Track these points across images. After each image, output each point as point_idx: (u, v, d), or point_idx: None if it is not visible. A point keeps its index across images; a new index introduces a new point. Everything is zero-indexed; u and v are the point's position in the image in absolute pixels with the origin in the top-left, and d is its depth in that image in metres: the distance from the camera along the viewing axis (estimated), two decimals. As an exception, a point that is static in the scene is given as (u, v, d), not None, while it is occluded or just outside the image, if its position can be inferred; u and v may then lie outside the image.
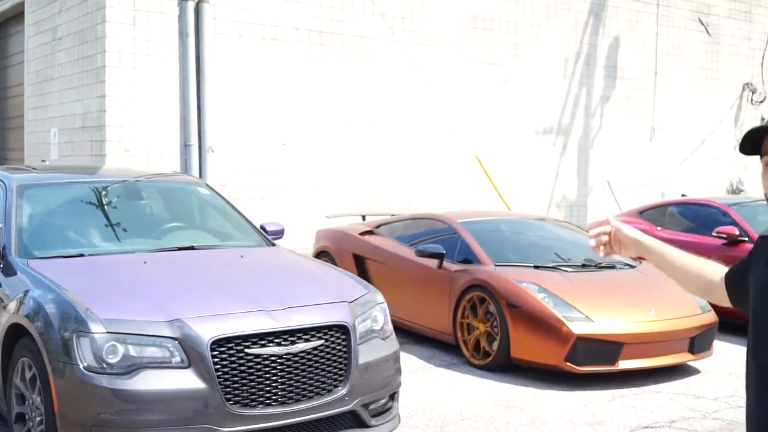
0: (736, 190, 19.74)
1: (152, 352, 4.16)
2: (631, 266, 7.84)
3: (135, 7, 12.76)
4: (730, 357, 7.91)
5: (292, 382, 4.37)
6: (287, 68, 14.01)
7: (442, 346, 7.81)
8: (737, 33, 20.26)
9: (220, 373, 4.18)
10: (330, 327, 4.57)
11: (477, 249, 7.59)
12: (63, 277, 4.61)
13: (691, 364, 7.47)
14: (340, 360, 4.57)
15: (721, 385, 6.94)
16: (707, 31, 18.12)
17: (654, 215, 10.07)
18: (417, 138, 15.42)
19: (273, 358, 4.32)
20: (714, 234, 8.98)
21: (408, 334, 8.34)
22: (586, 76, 17.77)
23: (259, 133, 13.77)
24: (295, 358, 4.39)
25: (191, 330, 4.20)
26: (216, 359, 4.19)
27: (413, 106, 15.31)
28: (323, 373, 4.49)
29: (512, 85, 16.63)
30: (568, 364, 6.61)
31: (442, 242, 8.00)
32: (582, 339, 6.58)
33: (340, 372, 4.56)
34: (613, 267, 7.73)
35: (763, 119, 20.20)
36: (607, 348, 6.65)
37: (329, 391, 4.51)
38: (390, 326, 5.07)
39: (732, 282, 2.30)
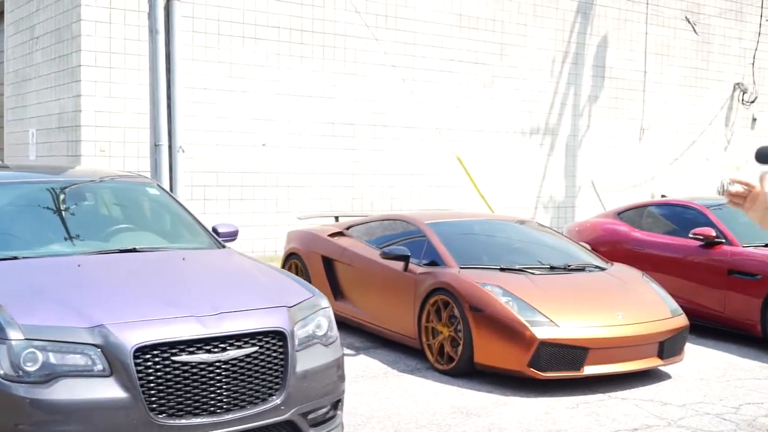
0: (726, 191, 19.49)
1: (73, 359, 3.98)
2: (602, 269, 7.65)
3: (111, 5, 12.59)
4: (703, 362, 7.73)
5: (222, 391, 4.18)
6: (268, 67, 13.83)
7: (409, 351, 7.62)
8: (728, 32, 20.08)
9: (143, 381, 4.00)
10: (265, 333, 4.38)
11: (442, 251, 7.41)
12: (-11, 281, 4.44)
13: (662, 369, 7.28)
14: (275, 368, 4.38)
15: (690, 391, 6.75)
16: (694, 30, 17.93)
17: (632, 216, 9.89)
18: (400, 138, 15.24)
19: (202, 366, 4.14)
20: (691, 235, 8.79)
21: (375, 338, 8.16)
22: (574, 76, 17.60)
23: (240, 133, 13.60)
24: (226, 366, 4.21)
25: (114, 337, 4.02)
26: (139, 367, 4.00)
27: (397, 106, 15.14)
28: (257, 381, 4.30)
29: (498, 84, 16.46)
30: (532, 369, 6.42)
31: (409, 244, 7.82)
32: (545, 344, 6.39)
33: (276, 380, 4.38)
34: (582, 270, 7.54)
35: (754, 119, 20.03)
36: (571, 353, 6.46)
37: (263, 400, 4.32)
38: (334, 332, 4.88)
39: None
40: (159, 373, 4.04)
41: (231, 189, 13.57)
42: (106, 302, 4.30)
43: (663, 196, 12.27)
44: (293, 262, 9.17)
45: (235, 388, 4.22)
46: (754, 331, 8.19)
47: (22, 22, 14.89)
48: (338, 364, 4.79)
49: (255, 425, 4.27)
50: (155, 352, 4.06)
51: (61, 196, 5.72)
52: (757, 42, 19.87)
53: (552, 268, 7.39)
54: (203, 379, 4.14)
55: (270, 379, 4.35)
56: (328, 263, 8.64)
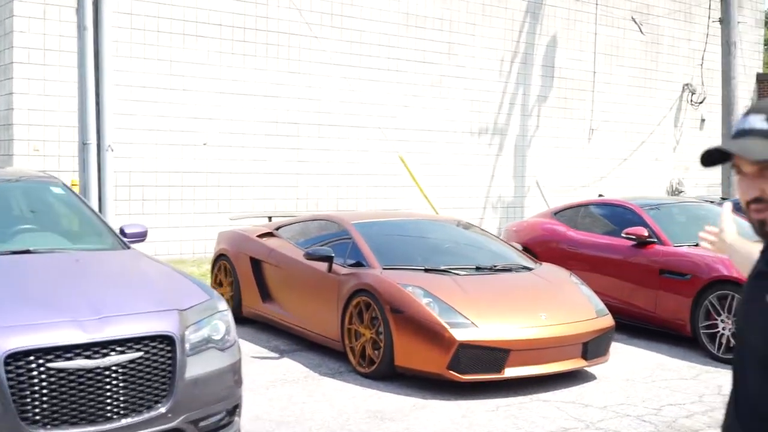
0: (675, 191, 19.65)
1: (-60, 367, 3.77)
2: (529, 269, 7.55)
3: (45, 1, 12.29)
4: (632, 362, 7.66)
5: (103, 398, 4.00)
6: (209, 65, 13.61)
7: (333, 354, 7.46)
8: (677, 33, 20.19)
9: (15, 390, 3.80)
10: (152, 338, 4.20)
11: (366, 251, 7.26)
12: None
13: (588, 370, 7.20)
14: (162, 374, 4.20)
15: (614, 393, 6.67)
16: (641, 30, 17.99)
17: (569, 216, 9.82)
18: (346, 138, 15.09)
19: (80, 373, 3.95)
20: (624, 235, 8.74)
21: (301, 341, 8.00)
22: (523, 76, 17.57)
23: (180, 132, 13.36)
24: (107, 373, 4.02)
25: (-16, 343, 3.82)
26: (10, 375, 3.81)
27: (342, 106, 14.99)
28: (141, 388, 4.12)
29: (446, 84, 16.37)
30: (451, 372, 6.29)
31: (335, 244, 7.67)
32: (465, 346, 6.27)
33: (163, 387, 4.20)
34: (509, 270, 7.44)
35: (702, 120, 20.15)
36: (492, 355, 6.35)
37: (149, 407, 4.14)
38: (232, 336, 4.71)
39: None
40: (33, 381, 3.85)
41: (171, 189, 13.33)
42: (-19, 306, 4.09)
43: (600, 195, 12.24)
44: (222, 264, 8.98)
45: (118, 395, 4.04)
46: (684, 331, 8.15)
47: (-44, 18, 14.53)
48: (234, 369, 4.63)
49: (139, 434, 4.09)
50: (30, 359, 3.87)
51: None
52: (706, 43, 20.00)
53: (478, 268, 7.28)
54: (81, 387, 3.95)
55: (156, 385, 4.18)
56: (256, 264, 8.47)
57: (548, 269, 7.69)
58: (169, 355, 4.24)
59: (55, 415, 3.89)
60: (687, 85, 20.27)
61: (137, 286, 4.78)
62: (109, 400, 4.01)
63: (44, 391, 3.87)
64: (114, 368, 4.04)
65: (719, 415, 6.20)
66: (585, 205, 9.96)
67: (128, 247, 5.66)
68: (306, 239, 8.19)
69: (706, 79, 20.20)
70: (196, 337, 4.44)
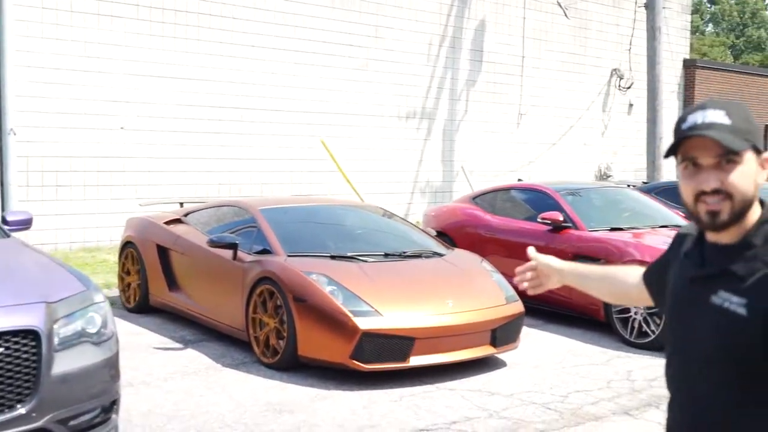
0: (604, 176, 19.78)
1: None
2: (440, 255, 7.42)
3: (-51, -21, 11.74)
4: (544, 348, 7.59)
5: (-42, 398, 3.73)
6: (126, 47, 13.18)
7: (239, 344, 7.24)
8: (605, 19, 20.28)
9: None
10: (14, 332, 3.93)
11: (271, 238, 7.05)
12: None
13: (499, 357, 7.10)
14: (26, 371, 3.94)
15: (522, 380, 6.58)
16: (565, 14, 18.01)
17: (486, 201, 9.72)
18: (270, 122, 14.80)
19: (-69, 372, 3.68)
20: (539, 220, 8.67)
21: (208, 331, 7.76)
22: (452, 60, 17.46)
23: (96, 115, 12.93)
24: (-38, 371, 3.75)
25: None
26: None
27: (266, 89, 14.68)
28: (2, 387, 3.86)
29: (373, 68, 16.17)
30: (354, 361, 6.13)
31: (242, 231, 7.45)
32: (369, 335, 6.10)
33: (26, 384, 3.94)
34: (419, 256, 7.30)
35: (630, 105, 20.31)
36: (397, 344, 6.20)
37: (10, 407, 3.88)
38: (109, 329, 4.46)
39: (652, 281, 2.30)
40: None
41: (87, 175, 12.90)
42: None
43: (520, 180, 12.19)
44: (129, 252, 8.67)
45: (-26, 394, 3.77)
46: (598, 316, 8.11)
47: None
48: (111, 364, 4.38)
49: (-1, 435, 3.83)
50: None
51: None
52: (633, 29, 20.12)
53: (386, 255, 7.12)
54: (-67, 386, 3.67)
55: (18, 383, 3.91)
56: (163, 252, 8.19)
57: (459, 255, 7.57)
58: (34, 350, 3.98)
59: None
60: (615, 70, 20.40)
61: (3, 278, 4.49)
62: (-36, 400, 3.75)
63: None
64: (-31, 366, 3.77)
65: (625, 401, 6.16)
66: (502, 190, 9.87)
67: (8, 236, 5.35)
68: (213, 226, 7.94)
69: (634, 65, 20.33)
70: (67, 330, 4.18)
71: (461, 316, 6.47)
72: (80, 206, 12.77)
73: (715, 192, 1.87)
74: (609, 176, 19.68)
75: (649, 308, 7.58)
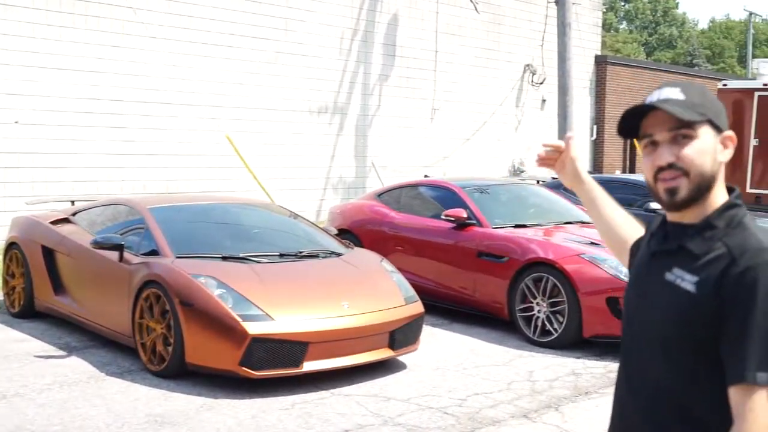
0: (517, 171, 19.84)
1: None
2: (338, 255, 7.17)
3: None
4: (446, 349, 7.42)
5: None
6: (21, 37, 12.55)
7: (128, 351, 6.86)
8: (519, 14, 20.33)
9: None
10: None
11: (159, 238, 6.70)
12: None
13: (400, 359, 6.91)
14: None
15: (421, 383, 6.38)
16: (476, 9, 17.98)
17: (391, 198, 9.52)
18: (175, 116, 14.32)
19: None
20: (443, 217, 8.50)
21: (97, 337, 7.35)
22: (364, 54, 17.23)
23: (-14, 109, 12.30)
24: None
25: None
26: None
27: (171, 83, 14.20)
28: None
29: (284, 61, 15.83)
30: (244, 368, 5.84)
31: (130, 231, 7.07)
32: (259, 340, 5.82)
33: None
34: (316, 256, 7.04)
35: (543, 100, 20.41)
36: (289, 349, 5.93)
37: None
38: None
39: (634, 251, 2.23)
40: None
41: (-22, 171, 12.26)
42: None
43: (426, 176, 12.05)
44: (13, 253, 8.20)
45: None
46: (502, 314, 7.99)
47: None
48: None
49: None
50: None
51: None
52: (545, 24, 20.20)
53: (282, 255, 6.84)
54: None
55: None
56: (48, 254, 7.75)
57: (358, 255, 7.34)
58: None
59: None
60: (528, 65, 20.46)
61: None
62: None
63: None
64: None
65: (525, 403, 6.03)
66: (408, 187, 9.68)
67: None
68: (102, 226, 7.54)
69: (547, 60, 20.41)
70: None
71: (357, 318, 6.24)
72: (-30, 205, 12.13)
73: (671, 167, 1.86)
74: (522, 171, 19.75)
75: (552, 307, 7.49)
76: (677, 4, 76.11)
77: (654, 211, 10.01)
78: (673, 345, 1.86)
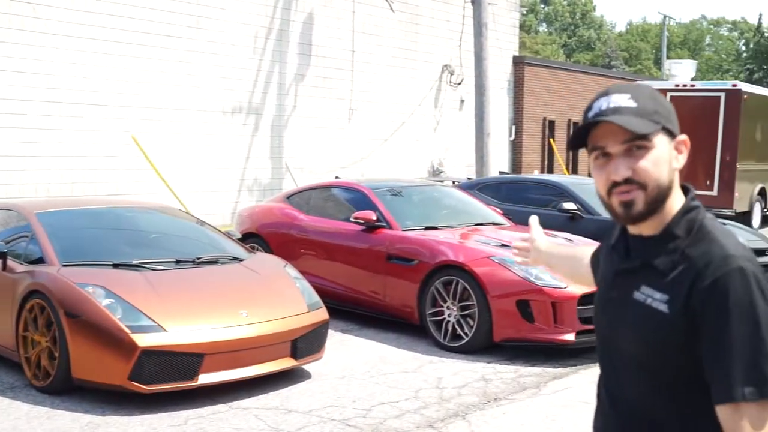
0: (437, 172, 19.75)
1: None
2: (239, 260, 6.87)
3: None
4: (354, 357, 7.18)
5: None
6: None
7: (13, 366, 6.42)
8: (436, 14, 20.24)
9: None
10: None
11: (46, 245, 6.29)
12: None
13: (305, 368, 6.64)
14: None
15: (325, 393, 6.13)
16: (391, 8, 17.82)
17: (300, 200, 9.24)
18: (80, 117, 13.76)
19: None
20: (352, 219, 8.26)
21: (-20, 350, 6.88)
22: (279, 53, 16.90)
23: None
24: None
25: None
26: None
27: (76, 81, 13.63)
28: None
29: (195, 60, 15.38)
30: (134, 383, 5.49)
31: (16, 238, 6.64)
32: (149, 352, 5.48)
33: None
34: (215, 262, 6.72)
35: (462, 101, 20.38)
36: (183, 361, 5.60)
37: None
38: None
39: (595, 265, 2.15)
40: None
41: None
42: None
43: (337, 177, 11.80)
44: None
45: None
46: (412, 319, 7.79)
47: None
48: None
49: None
50: None
51: None
52: (463, 24, 20.16)
53: (178, 262, 6.51)
54: None
55: None
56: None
57: (261, 260, 7.05)
58: None
59: None
60: (446, 65, 20.39)
61: None
62: None
63: None
64: None
65: (432, 412, 5.82)
66: (317, 189, 9.41)
67: None
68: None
69: (465, 60, 20.37)
70: None
71: (257, 327, 5.95)
72: None
73: (627, 181, 1.76)
74: (441, 172, 19.67)
75: (462, 310, 7.31)
76: (594, 6, 77.56)
77: (568, 211, 9.96)
78: (648, 365, 1.80)
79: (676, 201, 1.82)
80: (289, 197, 9.46)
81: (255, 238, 9.19)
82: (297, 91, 17.22)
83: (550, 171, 22.91)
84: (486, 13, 16.09)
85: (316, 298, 6.64)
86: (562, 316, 6.94)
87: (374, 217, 8.15)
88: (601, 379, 1.98)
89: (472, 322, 7.26)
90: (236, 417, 5.57)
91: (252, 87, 16.40)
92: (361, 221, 8.19)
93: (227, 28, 15.88)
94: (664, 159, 1.78)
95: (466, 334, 7.28)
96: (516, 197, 10.87)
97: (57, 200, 8.26)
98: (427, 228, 8.21)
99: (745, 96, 16.24)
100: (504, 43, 21.67)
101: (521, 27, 26.93)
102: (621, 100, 1.77)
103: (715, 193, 16.30)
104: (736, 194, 16.26)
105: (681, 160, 1.82)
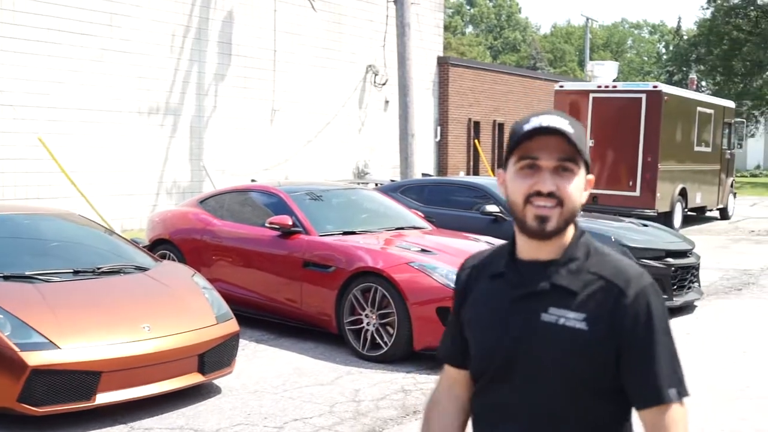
0: (362, 173, 19.49)
1: None
2: (144, 269, 6.48)
3: None
4: (267, 368, 6.85)
5: None
6: None
7: None
8: (360, 14, 20.00)
9: None
10: None
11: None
12: None
13: (216, 383, 6.29)
14: None
15: (235, 410, 5.79)
16: (312, 7, 17.51)
17: (214, 204, 8.87)
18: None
19: None
20: (267, 225, 7.93)
21: None
22: (198, 52, 16.43)
23: None
24: None
25: None
26: None
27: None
28: None
29: (110, 59, 14.83)
30: (24, 405, 5.07)
31: None
32: (40, 372, 5.08)
33: None
34: (118, 272, 6.32)
35: (387, 102, 20.18)
36: (78, 380, 5.21)
37: None
38: None
39: (456, 352, 2.08)
40: None
41: None
42: None
43: (253, 180, 11.46)
44: None
45: None
46: (330, 327, 7.50)
47: None
48: None
49: None
50: None
51: None
52: (386, 24, 19.95)
53: (76, 272, 6.09)
54: None
55: None
56: None
57: (168, 269, 6.67)
58: None
59: None
60: (370, 66, 20.16)
61: None
62: None
63: None
64: None
65: (347, 428, 5.54)
66: (233, 192, 9.05)
67: None
68: None
69: (389, 61, 20.16)
70: None
71: (160, 341, 5.59)
72: None
73: (550, 195, 1.84)
74: (366, 174, 19.43)
75: (381, 318, 7.05)
76: (520, 9, 78.42)
77: (491, 213, 9.79)
78: (565, 388, 1.84)
79: (570, 228, 1.91)
80: (202, 201, 9.07)
81: (166, 244, 8.78)
82: (217, 92, 16.78)
83: (476, 172, 22.88)
84: (409, 14, 15.91)
85: (226, 308, 6.30)
86: (483, 323, 6.72)
87: (290, 222, 7.84)
88: (497, 412, 1.94)
89: (391, 331, 7.01)
90: (137, 439, 5.21)
91: (170, 87, 15.91)
92: (277, 226, 7.87)
93: (143, 26, 15.37)
94: (581, 188, 1.89)
95: (385, 343, 7.03)
96: (439, 200, 10.67)
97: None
98: (346, 233, 7.94)
99: (665, 97, 16.39)
100: (429, 43, 21.54)
101: (447, 28, 26.87)
102: (562, 123, 1.84)
103: (637, 193, 16.39)
104: (658, 195, 16.38)
105: (585, 196, 1.91)
